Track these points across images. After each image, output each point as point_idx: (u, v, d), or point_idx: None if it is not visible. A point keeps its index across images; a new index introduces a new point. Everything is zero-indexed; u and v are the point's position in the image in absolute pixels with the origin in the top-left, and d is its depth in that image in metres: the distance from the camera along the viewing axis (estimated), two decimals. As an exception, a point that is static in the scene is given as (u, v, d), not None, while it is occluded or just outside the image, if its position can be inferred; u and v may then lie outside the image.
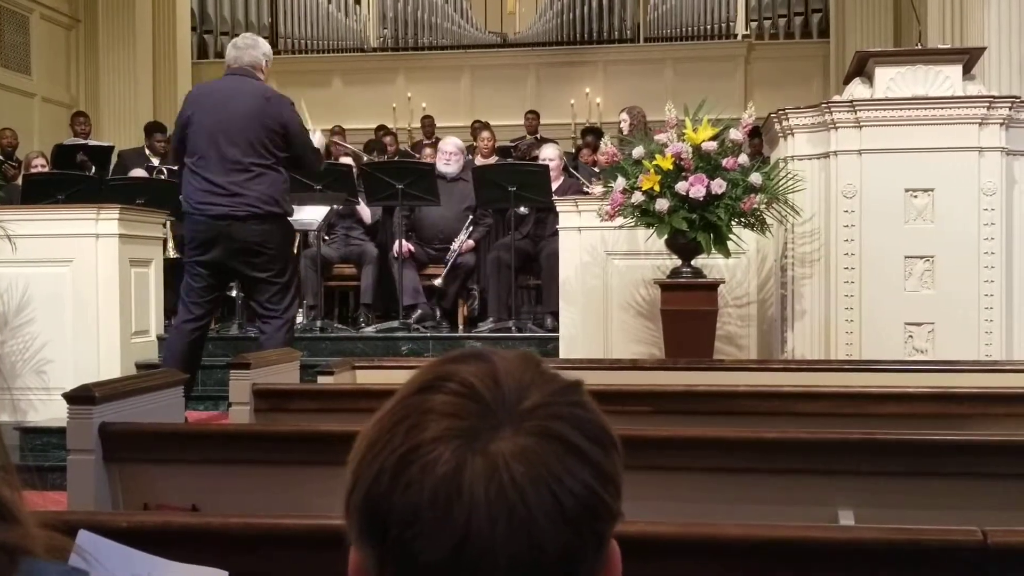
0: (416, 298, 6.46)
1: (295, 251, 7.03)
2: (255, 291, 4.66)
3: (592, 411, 0.72)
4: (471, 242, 6.61)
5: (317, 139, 5.08)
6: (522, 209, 6.40)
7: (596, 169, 7.00)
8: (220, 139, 4.48)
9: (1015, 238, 4.56)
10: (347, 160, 7.39)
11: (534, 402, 0.69)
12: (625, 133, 7.03)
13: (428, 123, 10.96)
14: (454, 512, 0.64)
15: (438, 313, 6.46)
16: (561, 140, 9.88)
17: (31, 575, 0.66)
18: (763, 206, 4.46)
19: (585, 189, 6.76)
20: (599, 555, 0.70)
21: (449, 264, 6.49)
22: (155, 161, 8.50)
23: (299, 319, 6.63)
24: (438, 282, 6.50)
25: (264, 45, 4.77)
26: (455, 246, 6.55)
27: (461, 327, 6.50)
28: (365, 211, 6.88)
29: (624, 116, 7.31)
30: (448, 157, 6.81)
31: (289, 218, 4.73)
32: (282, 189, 4.60)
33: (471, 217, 6.64)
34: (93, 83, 11.42)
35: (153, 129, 9.06)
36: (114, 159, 8.59)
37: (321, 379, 3.29)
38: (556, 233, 5.57)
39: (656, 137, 4.54)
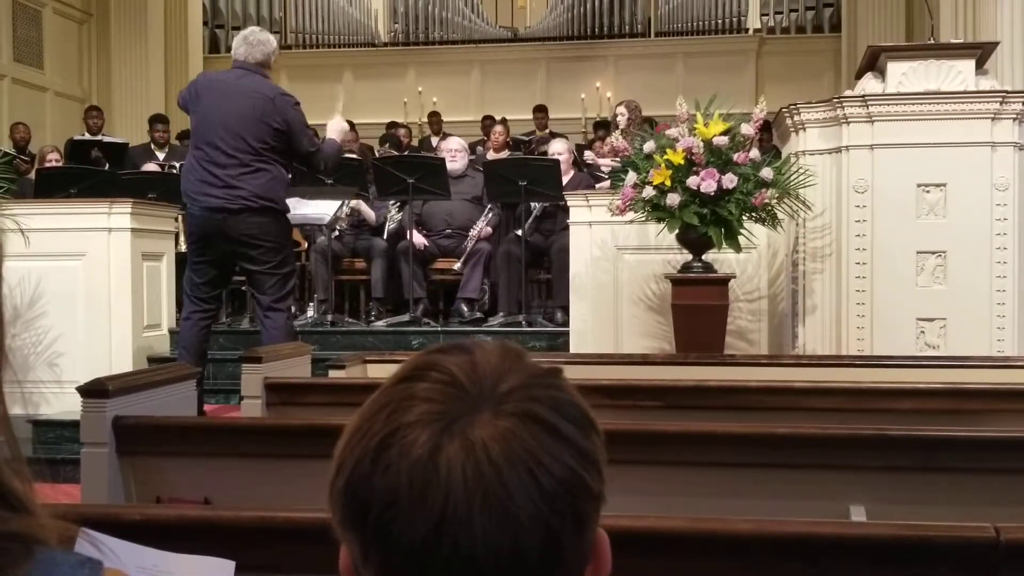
0: (420, 293, 6.47)
1: (303, 243, 7.08)
2: (256, 283, 4.70)
3: (570, 393, 0.73)
4: (489, 229, 6.63)
5: (335, 125, 5.04)
6: (531, 206, 6.40)
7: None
8: (222, 133, 4.52)
9: (1028, 233, 4.53)
10: (353, 156, 7.37)
11: (511, 385, 0.70)
12: (622, 127, 7.03)
13: (436, 120, 10.96)
14: (431, 493, 0.65)
15: (464, 309, 6.43)
16: (571, 135, 9.86)
17: (46, 564, 0.67)
18: (774, 201, 4.45)
19: (602, 170, 6.76)
20: (581, 538, 0.69)
21: (468, 250, 6.51)
22: (160, 156, 8.52)
23: (309, 314, 6.67)
24: (457, 267, 6.51)
25: (273, 41, 4.81)
26: (474, 232, 6.58)
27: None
28: (369, 212, 6.89)
29: (621, 110, 7.30)
30: (454, 155, 6.84)
31: (287, 214, 4.75)
32: (280, 186, 4.63)
33: (488, 204, 6.66)
34: (105, 77, 11.46)
35: (155, 120, 9.08)
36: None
37: (332, 373, 3.31)
38: (566, 227, 5.56)
39: (667, 132, 4.54)
